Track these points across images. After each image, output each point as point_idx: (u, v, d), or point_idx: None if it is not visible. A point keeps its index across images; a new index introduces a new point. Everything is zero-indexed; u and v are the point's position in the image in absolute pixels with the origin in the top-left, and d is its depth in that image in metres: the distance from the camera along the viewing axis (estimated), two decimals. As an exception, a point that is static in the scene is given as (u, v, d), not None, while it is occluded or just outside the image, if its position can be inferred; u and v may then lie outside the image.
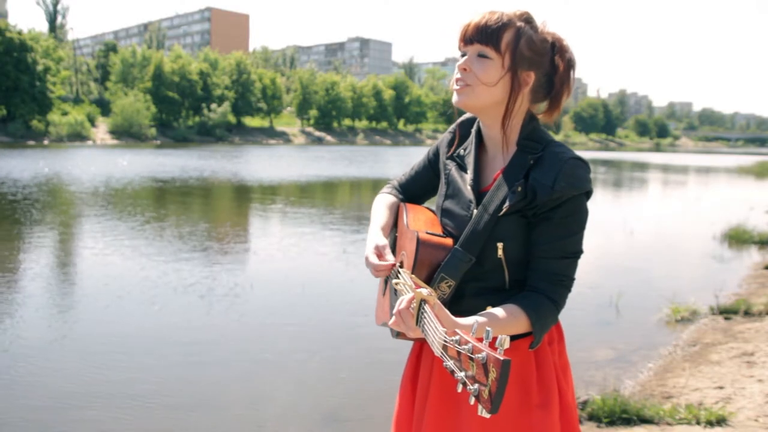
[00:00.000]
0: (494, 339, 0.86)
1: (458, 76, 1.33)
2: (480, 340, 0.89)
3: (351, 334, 4.79)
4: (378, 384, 3.87)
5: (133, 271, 6.46)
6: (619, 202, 15.95)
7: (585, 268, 7.39)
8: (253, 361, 4.19)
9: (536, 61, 1.31)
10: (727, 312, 5.30)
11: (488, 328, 0.88)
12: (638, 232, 10.01)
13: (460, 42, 1.34)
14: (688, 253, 8.64)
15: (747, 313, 5.25)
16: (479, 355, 0.85)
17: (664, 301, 5.58)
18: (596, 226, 10.46)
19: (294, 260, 7.33)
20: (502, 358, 0.82)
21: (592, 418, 3.23)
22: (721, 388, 3.62)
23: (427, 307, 1.07)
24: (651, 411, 3.20)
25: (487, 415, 0.84)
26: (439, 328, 0.99)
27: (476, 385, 0.85)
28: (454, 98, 1.34)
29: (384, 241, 1.42)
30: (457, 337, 0.91)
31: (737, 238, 9.19)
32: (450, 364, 0.92)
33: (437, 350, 0.98)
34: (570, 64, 1.35)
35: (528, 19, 1.32)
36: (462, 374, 0.88)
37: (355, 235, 9.28)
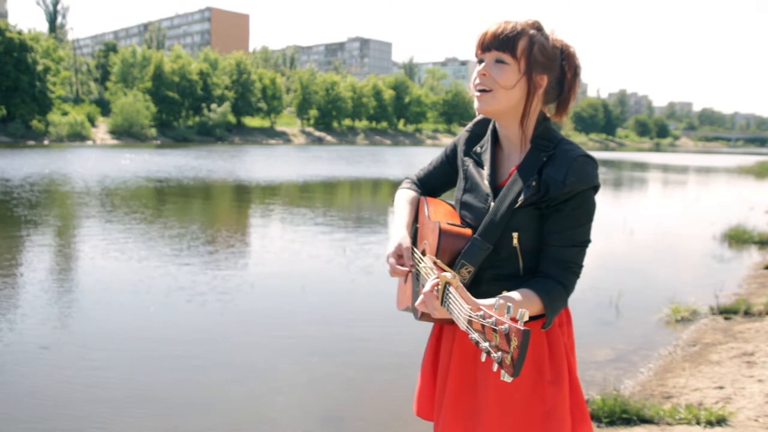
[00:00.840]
0: (518, 314, 0.98)
1: (477, 81, 1.45)
2: (501, 315, 1.02)
3: (351, 335, 4.79)
4: (377, 386, 3.87)
5: (130, 272, 6.46)
6: (619, 202, 15.94)
7: (585, 268, 7.35)
8: (251, 362, 4.19)
9: (548, 65, 1.44)
10: (727, 312, 5.30)
11: (509, 304, 1.01)
12: (638, 232, 10.02)
13: (478, 49, 1.45)
14: (688, 253, 8.65)
15: (747, 313, 5.25)
16: (502, 327, 0.97)
17: (664, 301, 5.58)
18: (596, 226, 10.40)
19: (294, 261, 7.32)
20: (522, 328, 0.94)
21: (592, 418, 3.22)
22: (721, 388, 3.62)
23: (451, 289, 1.19)
24: (651, 411, 3.20)
25: (509, 379, 0.96)
26: (464, 306, 1.11)
27: (499, 353, 0.98)
28: (476, 105, 1.47)
29: (407, 243, 1.53)
30: (481, 313, 1.03)
31: (737, 238, 9.19)
32: (475, 336, 1.04)
33: (463, 325, 1.09)
34: (576, 71, 1.49)
35: (539, 28, 1.45)
36: (486, 344, 1.00)
37: (354, 235, 9.28)
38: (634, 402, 3.27)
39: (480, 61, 1.46)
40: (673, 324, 5.15)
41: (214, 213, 12.01)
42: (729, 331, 4.82)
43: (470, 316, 1.06)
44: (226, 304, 5.44)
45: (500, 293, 1.36)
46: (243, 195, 15.04)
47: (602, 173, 26.98)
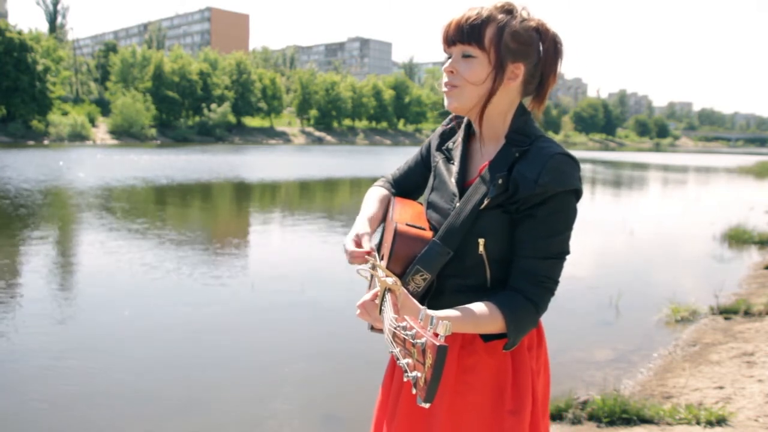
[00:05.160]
0: (437, 325, 0.83)
1: (446, 80, 1.31)
2: (425, 327, 0.86)
3: (351, 335, 4.79)
4: (377, 386, 3.87)
5: (129, 273, 6.46)
6: (619, 202, 15.94)
7: (585, 268, 7.41)
8: (251, 362, 4.19)
9: (523, 51, 1.26)
10: (727, 312, 5.30)
11: (433, 315, 0.85)
12: (638, 232, 10.00)
13: (444, 44, 1.30)
14: (688, 253, 8.64)
15: (747, 313, 5.25)
16: (420, 341, 0.82)
17: (664, 301, 5.58)
18: (596, 226, 10.46)
19: (293, 261, 7.32)
20: (438, 344, 0.78)
21: (592, 418, 3.23)
22: (721, 388, 3.62)
23: (388, 296, 1.04)
24: (651, 411, 3.20)
25: (423, 404, 0.80)
26: (390, 315, 0.97)
27: (415, 372, 0.82)
28: (446, 103, 1.33)
29: (366, 230, 1.38)
30: (405, 323, 0.89)
31: (737, 238, 9.19)
32: (396, 351, 0.88)
33: (387, 337, 0.95)
34: (557, 51, 1.30)
35: (510, 10, 1.26)
36: (405, 361, 0.85)
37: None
38: (634, 402, 3.27)
39: (449, 57, 1.30)
40: (673, 324, 5.15)
41: (215, 213, 12.00)
42: (729, 331, 4.82)
43: (395, 328, 0.90)
44: (226, 304, 5.44)
45: None
46: (244, 195, 15.04)
47: (602, 173, 26.98)
